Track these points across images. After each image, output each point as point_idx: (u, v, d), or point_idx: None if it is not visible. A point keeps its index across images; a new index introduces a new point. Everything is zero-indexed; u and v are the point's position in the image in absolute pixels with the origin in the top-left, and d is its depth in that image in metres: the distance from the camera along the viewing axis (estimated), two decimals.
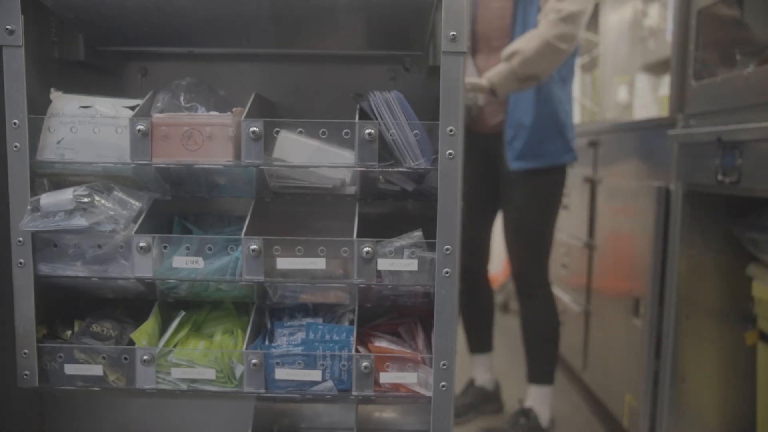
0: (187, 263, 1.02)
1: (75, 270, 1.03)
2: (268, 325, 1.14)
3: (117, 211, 1.02)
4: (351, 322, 1.13)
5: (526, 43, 1.76)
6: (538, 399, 2.07)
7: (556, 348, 2.11)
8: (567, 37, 1.76)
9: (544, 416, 2.06)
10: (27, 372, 1.04)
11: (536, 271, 2.06)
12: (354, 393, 1.04)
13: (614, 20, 3.39)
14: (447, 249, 0.99)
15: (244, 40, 1.19)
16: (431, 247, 1.00)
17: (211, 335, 1.13)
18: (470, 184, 2.07)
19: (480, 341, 2.30)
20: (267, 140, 0.99)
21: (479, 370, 2.32)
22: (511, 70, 1.77)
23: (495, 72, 1.81)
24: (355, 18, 1.10)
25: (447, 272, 0.99)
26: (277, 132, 0.99)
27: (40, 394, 1.21)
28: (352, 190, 1.16)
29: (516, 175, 1.98)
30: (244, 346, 1.06)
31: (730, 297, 1.71)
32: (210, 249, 1.03)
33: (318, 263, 1.01)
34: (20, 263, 1.02)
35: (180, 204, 1.21)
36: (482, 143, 2.02)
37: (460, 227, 2.00)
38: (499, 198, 2.11)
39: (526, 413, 2.05)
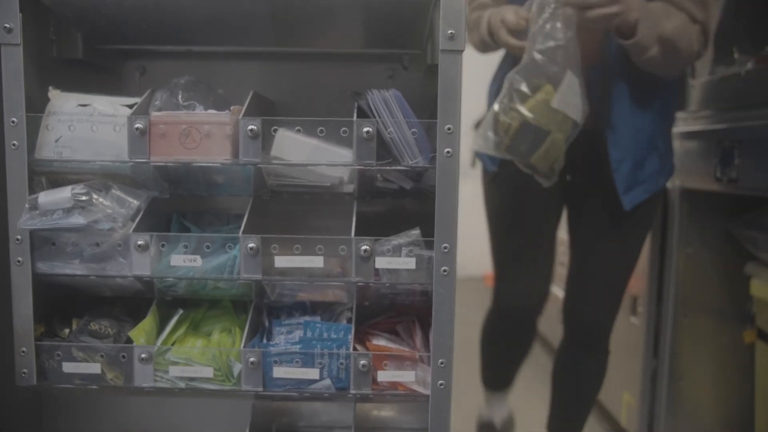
0: (185, 261, 1.02)
1: (73, 268, 1.03)
2: (266, 324, 1.14)
3: (115, 209, 1.02)
4: (349, 321, 1.13)
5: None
6: None
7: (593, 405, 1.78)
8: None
9: None
10: (25, 370, 1.04)
11: (609, 323, 1.63)
12: (352, 391, 1.04)
13: None
14: (445, 247, 0.99)
15: (243, 38, 1.19)
16: (429, 245, 1.00)
17: (209, 333, 1.13)
18: (526, 199, 1.57)
19: (507, 379, 1.86)
20: (265, 138, 0.99)
21: (497, 410, 1.88)
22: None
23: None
24: (354, 16, 1.10)
25: (445, 270, 0.99)
26: (275, 130, 0.99)
27: (38, 393, 1.21)
28: (350, 188, 1.16)
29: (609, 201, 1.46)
30: (242, 345, 1.06)
31: (728, 295, 1.71)
32: (208, 247, 1.03)
33: (316, 261, 1.02)
34: (18, 261, 1.02)
35: (178, 202, 1.21)
36: None
37: (514, 256, 1.62)
38: (559, 215, 1.64)
39: None
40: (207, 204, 1.27)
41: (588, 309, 1.61)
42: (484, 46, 1.49)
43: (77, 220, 0.99)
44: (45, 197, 1.00)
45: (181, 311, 1.13)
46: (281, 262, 1.02)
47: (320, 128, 1.00)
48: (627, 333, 1.95)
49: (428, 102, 1.03)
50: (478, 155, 1.66)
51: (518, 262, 1.63)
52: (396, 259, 1.01)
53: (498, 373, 1.85)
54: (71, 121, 1.01)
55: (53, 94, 1.04)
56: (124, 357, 1.05)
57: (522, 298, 1.66)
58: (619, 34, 1.30)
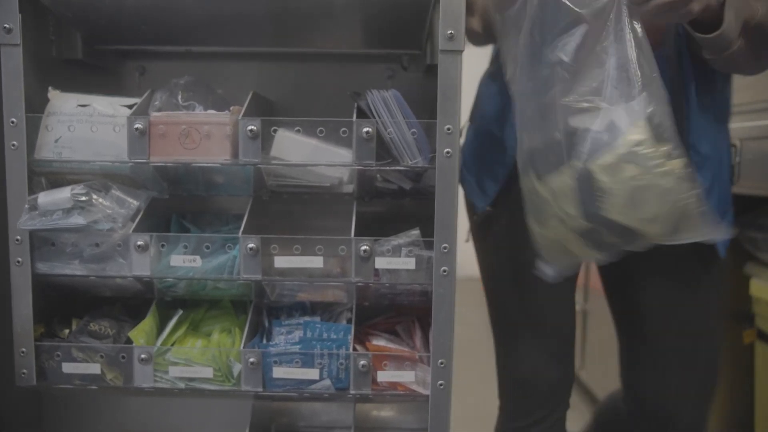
0: (184, 262, 1.02)
1: (73, 268, 1.03)
2: (266, 324, 1.14)
3: (115, 209, 1.02)
4: (349, 321, 1.13)
5: None
6: None
7: None
8: None
9: None
10: (25, 371, 1.04)
11: (706, 417, 1.19)
12: (352, 391, 1.04)
13: None
14: (445, 247, 0.99)
15: (243, 38, 1.19)
16: (429, 245, 1.00)
17: (208, 334, 1.13)
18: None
19: None
20: (264, 139, 0.99)
21: None
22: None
23: None
24: (353, 16, 1.10)
25: (445, 271, 0.99)
26: (275, 130, 0.99)
27: (38, 393, 1.21)
28: (349, 188, 1.16)
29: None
30: (242, 345, 1.06)
31: (728, 295, 1.71)
32: (207, 247, 1.03)
33: (315, 262, 1.02)
34: (18, 262, 1.02)
35: (178, 202, 1.21)
36: None
37: (530, 330, 1.19)
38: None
39: None
40: (207, 204, 1.27)
41: (681, 404, 1.16)
42: (485, 32, 1.13)
43: (77, 220, 0.99)
44: (45, 197, 1.00)
45: (180, 311, 1.13)
46: (281, 262, 1.02)
47: (320, 128, 1.00)
48: None
49: (428, 102, 1.03)
50: (463, 185, 1.29)
51: (537, 338, 1.20)
52: (396, 260, 1.01)
53: None
54: (71, 121, 1.01)
55: (53, 94, 1.04)
56: (123, 357, 1.05)
57: (547, 393, 1.20)
58: (694, 25, 0.91)
